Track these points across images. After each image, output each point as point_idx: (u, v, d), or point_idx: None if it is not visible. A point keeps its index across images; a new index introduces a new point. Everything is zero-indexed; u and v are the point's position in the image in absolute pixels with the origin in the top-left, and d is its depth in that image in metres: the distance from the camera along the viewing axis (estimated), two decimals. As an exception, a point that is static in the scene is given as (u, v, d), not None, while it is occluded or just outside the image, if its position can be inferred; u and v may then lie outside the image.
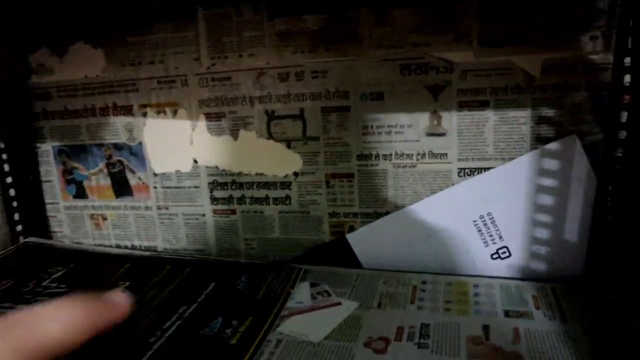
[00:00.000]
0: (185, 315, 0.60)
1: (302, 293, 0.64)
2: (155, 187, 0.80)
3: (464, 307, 0.60)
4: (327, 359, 0.51)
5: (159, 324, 0.58)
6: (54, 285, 0.71)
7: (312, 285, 0.66)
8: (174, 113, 0.75)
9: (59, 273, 0.74)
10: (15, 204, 0.86)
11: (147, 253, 0.82)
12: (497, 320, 0.57)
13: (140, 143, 0.79)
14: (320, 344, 0.54)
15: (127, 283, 0.69)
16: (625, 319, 0.54)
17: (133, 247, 0.84)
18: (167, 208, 0.80)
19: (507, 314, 0.58)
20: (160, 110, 0.76)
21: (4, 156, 0.84)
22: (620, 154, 0.59)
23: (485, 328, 0.55)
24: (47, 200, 0.87)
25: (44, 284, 0.71)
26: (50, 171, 0.86)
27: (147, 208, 0.81)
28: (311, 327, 0.57)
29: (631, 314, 0.54)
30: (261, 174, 0.74)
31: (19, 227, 0.87)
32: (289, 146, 0.71)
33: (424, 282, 0.66)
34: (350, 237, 0.72)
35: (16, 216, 0.87)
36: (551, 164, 0.62)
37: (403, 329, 0.56)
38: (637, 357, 0.49)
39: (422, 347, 0.53)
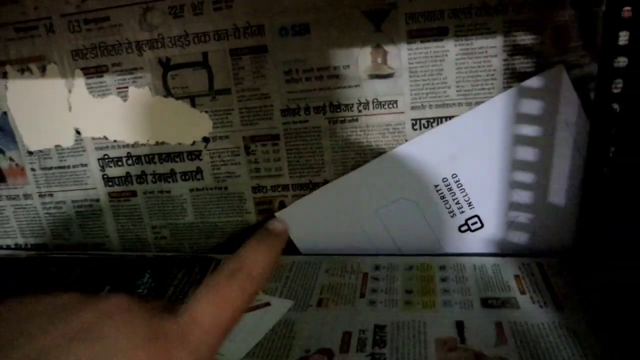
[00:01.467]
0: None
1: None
2: (33, 170, 0.62)
3: (430, 298, 0.46)
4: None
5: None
6: None
7: (232, 283, 0.50)
8: (42, 70, 0.57)
9: None
10: None
11: (32, 253, 0.64)
12: (473, 314, 0.43)
13: (4, 113, 0.60)
14: (239, 368, 0.39)
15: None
16: (632, 299, 0.41)
17: (17, 247, 0.67)
18: (51, 195, 0.63)
19: (485, 303, 0.44)
20: (23, 67, 0.58)
21: None
22: (620, 89, 0.45)
23: (459, 326, 0.42)
24: None
25: None
26: None
27: (26, 196, 0.64)
28: (229, 340, 0.42)
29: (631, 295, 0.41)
30: (162, 143, 0.57)
31: None
32: (193, 104, 0.55)
33: (376, 268, 0.51)
34: (281, 215, 0.56)
35: None
36: (531, 107, 0.48)
37: (350, 334, 0.42)
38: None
39: (376, 359, 0.38)
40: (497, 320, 0.42)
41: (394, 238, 0.54)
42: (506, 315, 0.42)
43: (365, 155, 0.53)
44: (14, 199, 0.65)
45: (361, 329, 0.42)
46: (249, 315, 0.45)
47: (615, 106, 0.45)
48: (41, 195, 0.63)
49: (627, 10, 0.43)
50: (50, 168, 0.62)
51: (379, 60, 0.49)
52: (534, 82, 0.47)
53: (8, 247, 0.67)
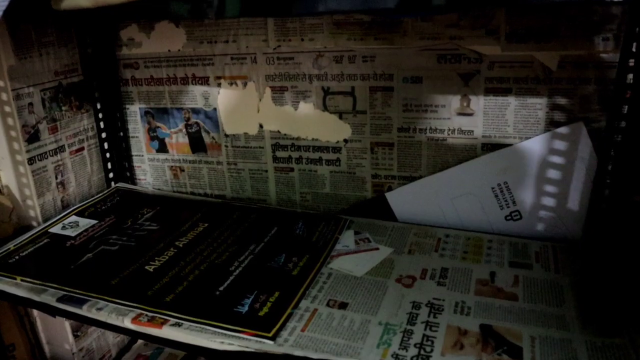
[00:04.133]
0: (255, 251, 0.76)
1: (347, 239, 0.79)
2: (226, 146, 0.96)
3: (477, 257, 0.74)
4: (367, 289, 0.67)
5: (236, 257, 0.75)
6: (147, 223, 0.88)
7: (356, 233, 0.81)
8: (244, 85, 0.90)
9: (149, 214, 0.92)
10: (108, 155, 1.03)
11: (219, 200, 0.98)
12: (502, 269, 0.71)
13: (214, 109, 0.94)
14: (362, 278, 0.69)
15: (206, 224, 0.86)
16: (606, 273, 0.68)
17: (205, 195, 1.01)
18: (235, 164, 0.96)
19: (511, 264, 0.72)
20: (232, 82, 0.90)
21: (100, 115, 1.01)
22: (619, 140, 0.70)
23: (492, 274, 0.70)
24: (133, 153, 1.05)
25: (139, 222, 0.89)
26: (137, 129, 1.02)
27: (218, 163, 0.97)
28: (355, 265, 0.72)
29: (612, 271, 0.68)
30: (316, 140, 0.88)
31: (111, 175, 1.05)
32: (340, 117, 0.85)
33: (447, 236, 0.80)
34: (389, 195, 0.86)
35: (109, 165, 1.04)
36: (560, 145, 0.74)
37: (427, 270, 0.71)
38: (610, 297, 0.62)
39: (440, 284, 0.68)
40: (516, 274, 0.70)
41: (460, 218, 0.82)
42: (522, 272, 0.70)
43: (448, 163, 0.81)
44: (209, 163, 0.98)
45: (433, 268, 0.72)
46: (367, 254, 0.76)
47: (612, 152, 0.71)
48: (228, 164, 0.97)
49: (628, 93, 0.68)
50: (238, 147, 0.95)
51: (465, 104, 0.77)
52: (563, 129, 0.73)
53: (200, 194, 1.02)
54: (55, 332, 0.98)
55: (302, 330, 0.59)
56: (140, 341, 1.19)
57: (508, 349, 0.55)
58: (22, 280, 0.72)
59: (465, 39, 0.75)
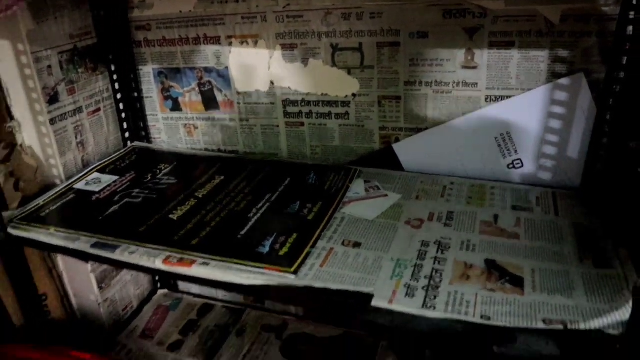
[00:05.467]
0: (272, 200, 0.81)
1: (358, 187, 0.84)
2: (239, 103, 0.99)
3: (481, 202, 0.79)
4: (378, 231, 0.72)
5: (253, 205, 0.80)
6: (166, 178, 0.93)
7: (366, 181, 0.86)
8: (255, 43, 0.93)
9: (167, 169, 0.96)
10: (123, 115, 1.07)
11: (232, 155, 1.02)
12: (505, 212, 0.76)
13: (226, 67, 0.97)
14: (373, 221, 0.74)
15: (222, 177, 0.91)
16: (603, 214, 0.73)
17: (219, 151, 1.05)
18: (247, 120, 1.00)
19: (513, 207, 0.77)
20: (243, 41, 0.93)
21: (115, 77, 1.04)
22: (618, 90, 0.74)
23: (496, 217, 0.75)
24: (148, 113, 1.08)
25: (158, 176, 0.93)
26: (151, 89, 1.06)
27: (231, 120, 1.01)
28: (366, 210, 0.77)
29: (609, 212, 0.72)
30: (326, 95, 0.92)
31: (127, 134, 1.09)
32: (349, 73, 0.89)
33: (452, 184, 0.85)
34: (396, 147, 0.90)
35: (124, 125, 1.08)
36: (561, 96, 0.78)
37: (434, 214, 0.76)
38: (606, 235, 0.67)
39: (447, 226, 0.73)
40: (518, 217, 0.74)
41: (465, 167, 0.87)
42: (524, 215, 0.75)
43: (453, 115, 0.85)
44: (222, 120, 1.02)
45: (440, 212, 0.76)
46: (377, 200, 0.80)
47: (611, 102, 0.75)
48: (241, 120, 1.01)
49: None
50: (250, 103, 0.98)
51: (469, 58, 0.81)
52: (564, 81, 0.77)
53: (213, 150, 1.06)
54: (82, 284, 1.04)
55: (321, 266, 0.64)
56: (159, 292, 1.25)
57: (510, 279, 0.61)
58: (55, 230, 0.77)
59: (470, -7, 0.78)
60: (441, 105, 0.85)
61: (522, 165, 0.84)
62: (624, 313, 0.53)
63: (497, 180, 0.85)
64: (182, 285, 1.26)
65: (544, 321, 0.54)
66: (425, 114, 0.87)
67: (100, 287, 1.06)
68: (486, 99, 0.83)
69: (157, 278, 1.24)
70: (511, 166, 0.85)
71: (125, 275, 1.14)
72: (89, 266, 1.02)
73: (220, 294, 1.22)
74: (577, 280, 0.60)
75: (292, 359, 1.04)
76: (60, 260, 1.00)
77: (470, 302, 0.57)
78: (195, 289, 1.24)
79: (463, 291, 0.59)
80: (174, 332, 1.15)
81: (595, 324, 0.53)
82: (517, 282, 0.60)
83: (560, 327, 0.53)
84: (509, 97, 0.81)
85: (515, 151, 0.83)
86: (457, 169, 0.87)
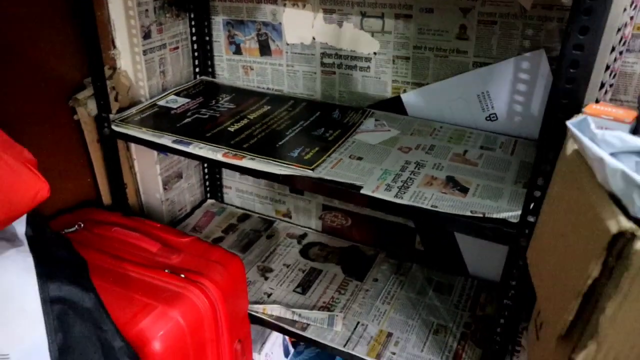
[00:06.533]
0: (304, 125, 1.10)
1: (369, 123, 1.12)
2: (287, 52, 1.27)
3: (458, 141, 1.05)
4: (376, 151, 1.00)
5: (290, 127, 1.08)
6: (226, 103, 1.22)
7: (376, 120, 1.13)
8: (303, 6, 1.20)
9: (227, 98, 1.25)
10: (196, 54, 1.37)
11: (278, 92, 1.31)
12: (473, 149, 1.02)
13: (280, 23, 1.24)
14: (375, 145, 1.02)
15: (268, 107, 1.19)
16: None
17: (268, 89, 1.34)
18: (292, 66, 1.28)
19: (481, 147, 1.03)
20: (294, 3, 1.20)
21: (192, 23, 1.33)
22: (570, 66, 0.97)
23: (465, 151, 1.01)
24: (215, 54, 1.37)
25: (220, 102, 1.23)
26: (219, 35, 1.34)
27: (279, 65, 1.29)
28: (371, 138, 1.05)
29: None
30: (353, 51, 1.19)
31: (197, 69, 1.39)
32: (372, 35, 1.15)
33: (441, 127, 1.11)
34: (403, 96, 1.17)
35: (196, 62, 1.38)
36: (527, 65, 1.02)
37: (420, 145, 1.03)
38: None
39: (427, 153, 1.00)
40: (482, 153, 1.01)
41: (454, 116, 1.13)
42: (487, 152, 1.01)
43: (448, 75, 1.11)
44: (273, 65, 1.30)
45: (425, 144, 1.03)
46: (381, 133, 1.08)
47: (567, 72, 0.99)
48: (287, 66, 1.29)
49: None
50: (296, 53, 1.26)
51: (462, 31, 1.06)
52: (530, 54, 1.02)
53: (264, 88, 1.35)
54: (150, 183, 1.36)
55: (331, 169, 0.93)
56: (208, 201, 1.57)
57: (460, 188, 0.88)
58: (145, 129, 1.08)
59: (468, -19, 1.02)
60: (440, 66, 1.11)
61: (497, 119, 1.10)
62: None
63: (476, 129, 1.11)
64: (227, 198, 1.57)
65: (471, 212, 0.81)
66: (427, 72, 1.13)
67: (164, 189, 1.38)
68: (473, 65, 1.08)
69: (207, 189, 1.56)
70: (488, 119, 1.10)
71: (183, 182, 1.46)
72: (158, 169, 1.33)
73: (257, 207, 1.53)
74: (506, 194, 0.87)
75: (308, 259, 1.35)
76: (136, 162, 1.32)
77: (427, 198, 0.85)
78: (237, 201, 1.55)
79: (424, 192, 0.87)
80: (218, 230, 1.47)
81: (503, 215, 0.80)
82: (463, 191, 0.87)
83: (480, 215, 0.80)
84: (489, 64, 1.06)
85: (492, 107, 1.09)
86: (448, 117, 1.14)
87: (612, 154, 0.50)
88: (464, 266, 1.26)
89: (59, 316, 0.69)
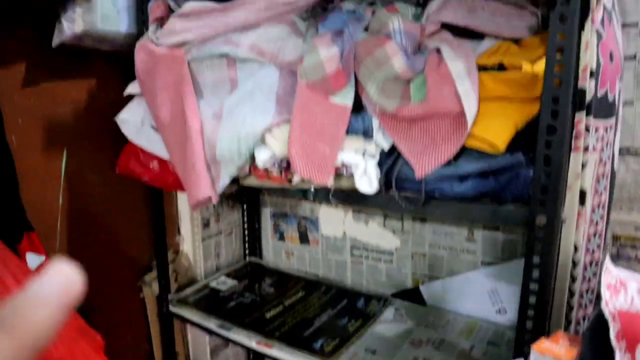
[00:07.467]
0: (330, 314, 1.24)
1: (388, 313, 1.25)
2: (322, 243, 1.47)
3: (468, 336, 1.16)
4: (391, 345, 1.12)
5: (318, 315, 1.23)
6: (268, 287, 1.40)
7: (395, 309, 1.26)
8: (336, 205, 1.41)
9: (269, 281, 1.44)
10: (247, 239, 1.59)
11: (314, 277, 1.49)
12: (481, 344, 1.12)
13: (317, 217, 1.46)
14: (390, 338, 1.14)
15: (304, 292, 1.36)
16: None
17: (305, 272, 1.52)
18: (326, 254, 1.46)
19: (488, 342, 1.13)
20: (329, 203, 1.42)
21: (245, 213, 1.58)
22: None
23: (472, 347, 1.11)
24: (262, 239, 1.59)
25: (262, 286, 1.41)
26: (267, 224, 1.57)
27: (316, 253, 1.49)
28: (389, 329, 1.17)
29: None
30: (378, 245, 1.36)
31: (247, 251, 1.60)
32: (394, 233, 1.33)
33: (454, 319, 1.22)
34: (422, 288, 1.30)
35: (246, 245, 1.60)
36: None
37: (430, 339, 1.14)
38: None
39: (436, 349, 1.11)
40: (493, 340, 1.10)
41: (466, 308, 1.24)
42: (493, 345, 1.10)
43: (460, 272, 1.24)
44: (310, 252, 1.49)
45: (435, 339, 1.14)
46: (396, 324, 1.20)
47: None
48: (323, 254, 1.47)
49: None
50: (330, 243, 1.45)
51: (471, 234, 1.22)
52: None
53: (301, 271, 1.53)
54: (199, 350, 1.52)
55: (348, 362, 1.06)
56: (251, 369, 1.70)
57: (461, 387, 0.97)
58: (196, 311, 1.26)
59: None
60: (452, 263, 1.26)
61: (506, 312, 1.20)
62: None
63: (487, 320, 1.22)
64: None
65: None
66: (442, 267, 1.28)
67: (211, 356, 1.53)
68: (481, 264, 1.22)
69: (251, 356, 1.69)
70: (498, 312, 1.21)
71: (229, 350, 1.61)
72: (207, 340, 1.50)
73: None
74: None
75: None
76: (189, 331, 1.50)
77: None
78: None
79: (428, 389, 0.97)
80: (258, 400, 1.57)
81: None
82: (463, 390, 0.97)
83: None
84: (495, 264, 1.19)
85: (501, 301, 1.20)
86: (460, 309, 1.25)
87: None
88: None
89: None
